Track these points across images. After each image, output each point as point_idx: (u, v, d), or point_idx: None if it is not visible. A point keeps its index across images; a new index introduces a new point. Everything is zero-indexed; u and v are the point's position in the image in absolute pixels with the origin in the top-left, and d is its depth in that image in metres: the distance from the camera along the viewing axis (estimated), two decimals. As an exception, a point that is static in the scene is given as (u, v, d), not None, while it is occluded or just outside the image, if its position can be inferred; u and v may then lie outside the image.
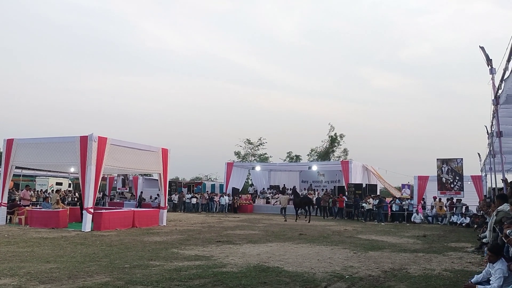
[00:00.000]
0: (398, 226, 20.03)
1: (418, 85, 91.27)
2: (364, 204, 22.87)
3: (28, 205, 18.90)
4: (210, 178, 53.23)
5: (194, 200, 29.71)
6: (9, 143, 16.84)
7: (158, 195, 23.86)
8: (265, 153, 51.06)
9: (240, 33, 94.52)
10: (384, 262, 9.17)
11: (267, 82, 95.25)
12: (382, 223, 21.29)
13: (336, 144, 48.91)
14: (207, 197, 30.29)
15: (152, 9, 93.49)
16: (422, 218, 22.81)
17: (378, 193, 27.55)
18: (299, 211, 22.25)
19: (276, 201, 26.82)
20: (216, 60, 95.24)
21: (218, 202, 29.89)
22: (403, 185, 26.30)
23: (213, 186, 37.14)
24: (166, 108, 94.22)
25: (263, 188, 35.13)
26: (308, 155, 49.96)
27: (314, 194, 30.71)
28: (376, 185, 29.64)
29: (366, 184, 27.52)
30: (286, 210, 23.03)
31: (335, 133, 48.70)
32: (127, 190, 35.55)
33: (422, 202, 23.92)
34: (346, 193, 26.18)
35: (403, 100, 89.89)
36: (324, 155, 48.20)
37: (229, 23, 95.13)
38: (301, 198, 22.48)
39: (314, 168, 32.98)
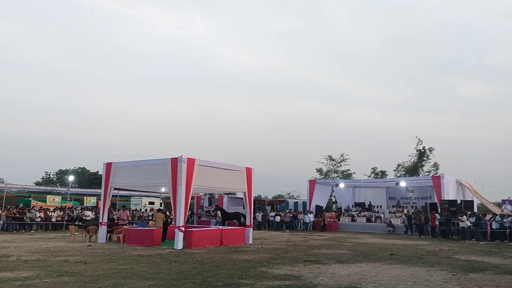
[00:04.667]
0: (499, 246, 18.41)
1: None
2: (460, 222, 21.33)
3: (125, 224, 20.21)
4: (292, 196, 53.11)
5: (278, 218, 29.84)
6: (108, 166, 18.21)
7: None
8: (348, 170, 49.93)
9: (316, 49, 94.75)
10: (488, 285, 8.45)
11: (347, 97, 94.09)
12: (481, 242, 19.69)
13: (425, 158, 46.38)
14: (291, 215, 30.24)
15: (228, 33, 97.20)
16: (528, 236, 20.73)
17: (475, 210, 25.57)
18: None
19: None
20: (294, 78, 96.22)
21: (302, 220, 29.68)
22: (503, 201, 24.11)
23: (296, 204, 36.95)
24: (247, 127, 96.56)
25: (348, 206, 34.25)
26: (394, 170, 47.96)
27: (403, 211, 29.32)
28: (473, 201, 27.44)
29: (461, 200, 25.67)
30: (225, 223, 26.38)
31: (423, 147, 46.27)
32: (213, 209, 36.59)
33: (527, 219, 21.72)
34: (439, 210, 24.62)
35: (496, 108, 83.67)
36: (412, 170, 45.92)
37: (305, 41, 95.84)
38: (235, 213, 26.35)
39: (402, 184, 31.44)
